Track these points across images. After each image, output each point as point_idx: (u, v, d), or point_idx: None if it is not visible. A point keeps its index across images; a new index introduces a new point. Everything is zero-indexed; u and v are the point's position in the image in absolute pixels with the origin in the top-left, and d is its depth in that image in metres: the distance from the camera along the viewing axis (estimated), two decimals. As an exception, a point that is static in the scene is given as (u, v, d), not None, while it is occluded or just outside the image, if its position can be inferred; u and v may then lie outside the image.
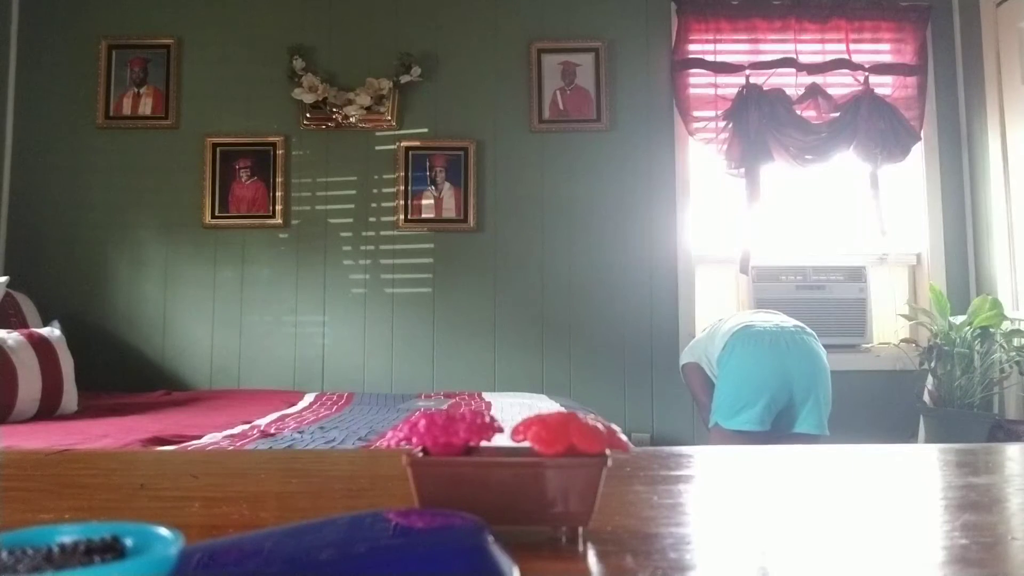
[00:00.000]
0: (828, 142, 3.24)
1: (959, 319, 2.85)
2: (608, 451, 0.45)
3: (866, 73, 3.30)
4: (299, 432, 1.86)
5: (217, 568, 0.33)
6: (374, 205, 3.29)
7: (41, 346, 2.31)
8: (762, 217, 3.28)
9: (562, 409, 0.76)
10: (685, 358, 2.92)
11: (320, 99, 3.19)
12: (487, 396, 2.74)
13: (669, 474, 0.68)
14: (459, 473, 0.46)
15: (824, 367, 2.60)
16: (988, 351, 2.84)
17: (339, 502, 0.60)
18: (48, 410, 2.25)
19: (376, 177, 3.30)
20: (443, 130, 3.31)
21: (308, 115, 3.23)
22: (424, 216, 3.26)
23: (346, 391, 3.01)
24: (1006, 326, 2.82)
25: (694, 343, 2.92)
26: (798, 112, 3.27)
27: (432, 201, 3.26)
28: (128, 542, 0.32)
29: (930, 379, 2.94)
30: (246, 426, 1.97)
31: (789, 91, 3.29)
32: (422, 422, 0.47)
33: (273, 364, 3.23)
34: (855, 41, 3.35)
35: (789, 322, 2.68)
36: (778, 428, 2.56)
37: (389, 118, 3.24)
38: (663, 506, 0.56)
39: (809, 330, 2.68)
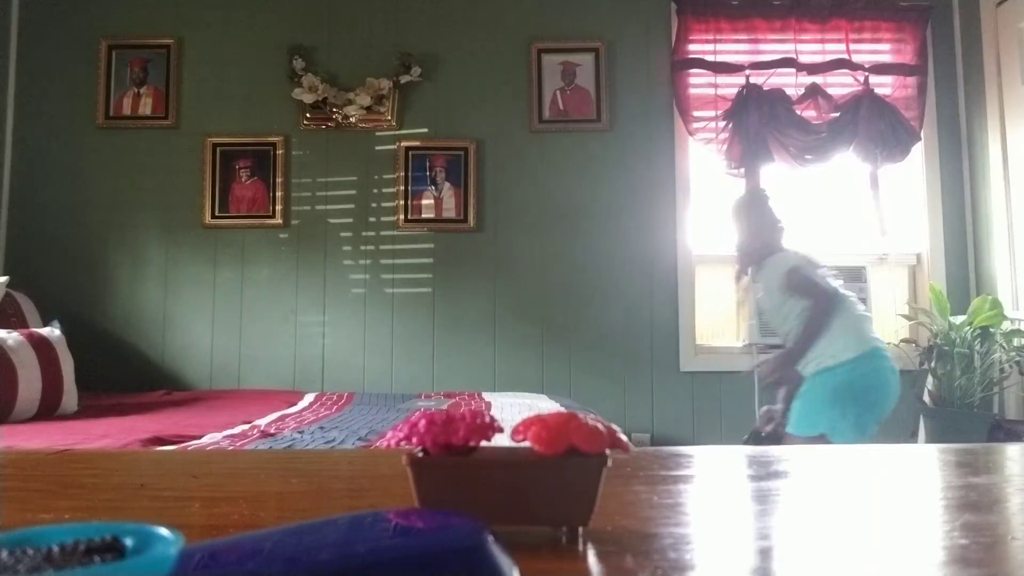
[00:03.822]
0: (828, 142, 3.24)
1: (959, 319, 2.85)
2: (608, 451, 0.45)
3: (866, 73, 3.30)
4: (299, 432, 1.86)
5: (217, 568, 0.33)
6: (374, 205, 3.29)
7: (41, 346, 2.31)
8: (762, 217, 3.27)
9: (562, 409, 0.76)
10: (797, 263, 2.48)
11: (320, 99, 3.19)
12: (487, 396, 2.74)
13: (669, 474, 0.68)
14: (459, 473, 0.46)
15: None
16: (988, 351, 2.84)
17: (339, 502, 0.60)
18: (48, 410, 2.25)
19: (376, 177, 3.30)
20: (443, 130, 3.31)
21: (308, 115, 3.23)
22: (424, 216, 3.26)
23: (346, 391, 3.01)
24: (1006, 326, 2.82)
25: (806, 259, 2.55)
26: (798, 112, 3.27)
27: (432, 201, 3.26)
28: (128, 542, 0.32)
29: (930, 379, 2.94)
30: (246, 426, 1.97)
31: (789, 91, 3.29)
32: (422, 422, 0.47)
33: (273, 364, 3.23)
34: (855, 41, 3.35)
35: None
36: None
37: (389, 118, 3.24)
38: (663, 506, 0.56)
39: None
